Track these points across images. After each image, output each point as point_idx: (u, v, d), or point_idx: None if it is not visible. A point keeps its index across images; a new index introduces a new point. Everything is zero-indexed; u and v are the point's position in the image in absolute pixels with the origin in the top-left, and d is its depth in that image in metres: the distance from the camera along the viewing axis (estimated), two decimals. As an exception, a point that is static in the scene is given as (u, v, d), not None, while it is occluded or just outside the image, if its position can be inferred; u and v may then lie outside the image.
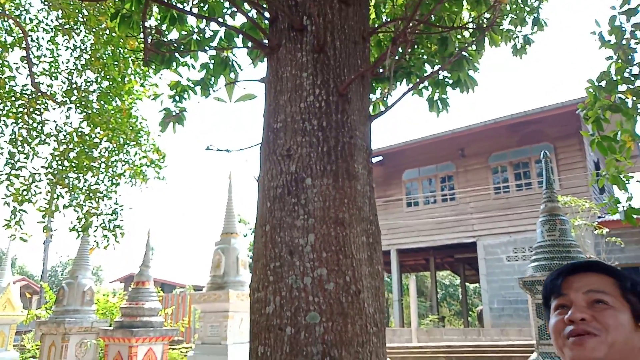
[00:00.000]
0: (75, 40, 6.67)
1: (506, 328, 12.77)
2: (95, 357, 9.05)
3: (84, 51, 6.64)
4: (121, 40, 5.92)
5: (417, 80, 3.38)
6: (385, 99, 3.56)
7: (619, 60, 3.64)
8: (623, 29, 3.48)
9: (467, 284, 23.00)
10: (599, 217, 12.05)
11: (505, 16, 4.01)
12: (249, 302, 1.76)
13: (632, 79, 3.60)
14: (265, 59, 1.94)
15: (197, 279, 25.14)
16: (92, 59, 6.28)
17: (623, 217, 3.47)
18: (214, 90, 4.43)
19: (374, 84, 3.38)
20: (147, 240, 8.08)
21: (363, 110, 1.79)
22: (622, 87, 3.67)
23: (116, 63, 6.27)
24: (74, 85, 6.68)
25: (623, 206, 3.60)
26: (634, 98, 3.61)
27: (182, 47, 3.37)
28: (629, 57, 3.58)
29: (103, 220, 7.11)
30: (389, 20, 3.58)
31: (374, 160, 17.33)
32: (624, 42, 3.53)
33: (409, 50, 3.86)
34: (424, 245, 16.19)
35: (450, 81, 4.48)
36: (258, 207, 1.77)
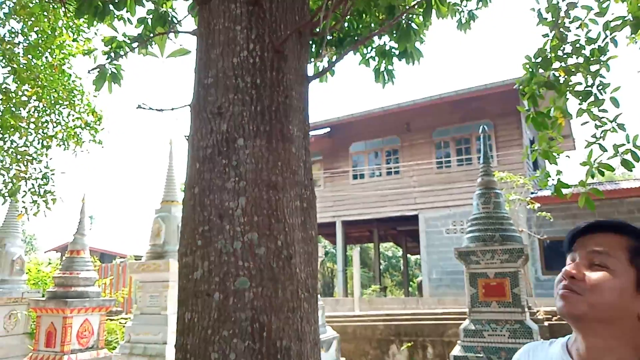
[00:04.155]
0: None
1: (443, 298, 13.38)
2: (27, 328, 8.65)
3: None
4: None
5: (357, 40, 3.32)
6: (321, 61, 3.50)
7: (555, 38, 3.76)
8: (559, 7, 3.57)
9: (408, 255, 23.81)
10: (532, 193, 12.73)
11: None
12: None
13: (565, 56, 3.73)
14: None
15: (138, 249, 24.40)
16: (17, 7, 5.75)
17: (553, 190, 3.63)
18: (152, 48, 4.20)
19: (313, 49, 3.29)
20: (82, 206, 7.68)
21: (300, 69, 1.72)
22: (557, 65, 3.80)
23: (45, 13, 5.78)
24: (-4, 36, 6.12)
25: (553, 180, 3.77)
26: (566, 76, 3.75)
27: (117, -3, 3.13)
28: (564, 36, 3.69)
29: (32, 184, 6.70)
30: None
31: (322, 131, 17.33)
32: (559, 20, 3.63)
33: (356, 17, 3.79)
34: (368, 217, 16.51)
35: (397, 52, 4.48)
36: (187, 168, 1.68)
